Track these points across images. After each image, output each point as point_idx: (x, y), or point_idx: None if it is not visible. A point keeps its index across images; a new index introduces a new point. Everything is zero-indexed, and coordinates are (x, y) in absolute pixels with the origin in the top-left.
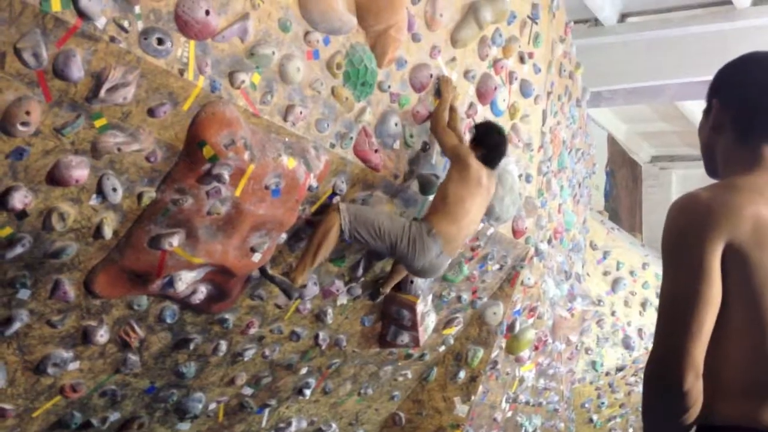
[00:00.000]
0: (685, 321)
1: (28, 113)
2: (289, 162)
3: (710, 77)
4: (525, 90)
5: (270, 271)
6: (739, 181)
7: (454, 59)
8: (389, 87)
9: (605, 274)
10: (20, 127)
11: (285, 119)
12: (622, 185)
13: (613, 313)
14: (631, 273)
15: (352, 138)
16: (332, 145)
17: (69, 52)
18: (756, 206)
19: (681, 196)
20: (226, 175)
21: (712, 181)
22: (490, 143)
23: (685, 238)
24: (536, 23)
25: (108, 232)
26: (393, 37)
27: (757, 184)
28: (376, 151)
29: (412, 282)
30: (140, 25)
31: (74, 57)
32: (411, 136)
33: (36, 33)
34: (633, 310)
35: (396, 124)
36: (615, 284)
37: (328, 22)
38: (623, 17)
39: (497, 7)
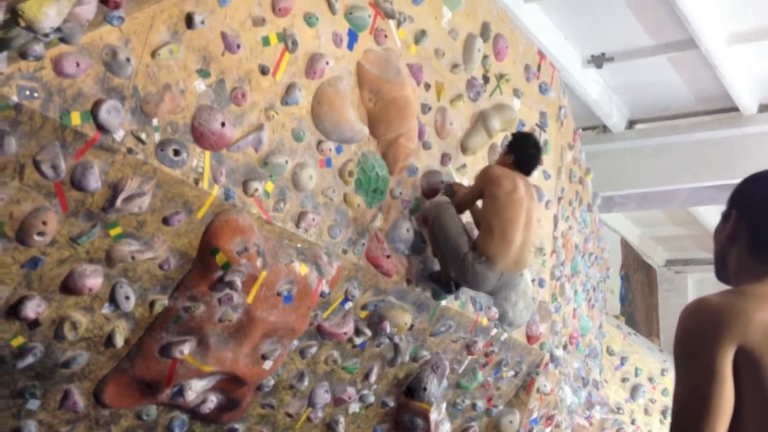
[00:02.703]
0: (698, 427)
1: (44, 223)
2: (302, 268)
3: (720, 182)
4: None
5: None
6: (749, 289)
7: (464, 166)
8: (401, 193)
9: (623, 380)
10: (36, 237)
11: (297, 226)
12: (638, 289)
13: (633, 422)
14: (650, 379)
15: (364, 244)
16: (344, 251)
17: (87, 164)
18: (766, 312)
19: (691, 301)
20: (239, 282)
21: (725, 286)
22: (519, 148)
23: (696, 342)
24: (544, 131)
25: (119, 341)
26: (404, 145)
27: (767, 291)
28: (388, 256)
29: (425, 389)
30: (157, 137)
31: (92, 168)
32: (423, 242)
33: (55, 145)
34: (653, 419)
35: (408, 230)
36: (634, 391)
37: (341, 131)
38: (631, 124)
39: (506, 116)
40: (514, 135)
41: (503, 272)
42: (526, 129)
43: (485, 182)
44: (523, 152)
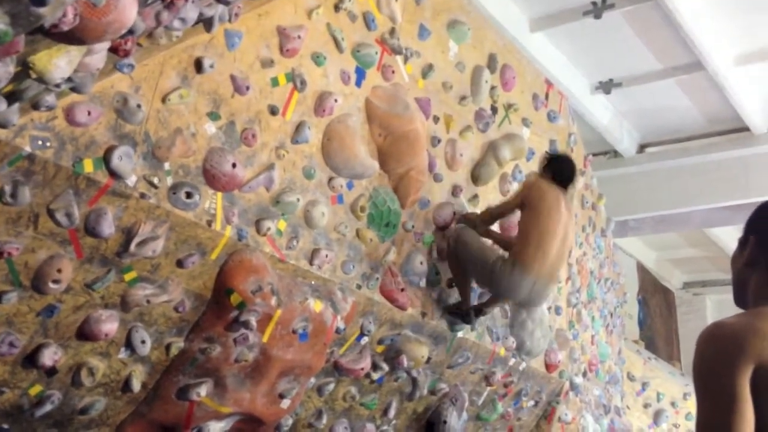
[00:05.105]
0: None
1: (59, 271)
2: (316, 305)
3: (734, 202)
4: None
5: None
6: (765, 309)
7: (476, 196)
8: (413, 226)
9: (646, 406)
10: (51, 285)
11: (311, 263)
12: (657, 313)
13: None
14: (673, 404)
15: (377, 278)
16: (358, 286)
17: (100, 210)
18: None
19: (707, 326)
20: (254, 322)
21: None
22: (554, 163)
23: (714, 366)
24: None
25: (136, 385)
26: (415, 178)
27: None
28: (402, 290)
29: (445, 422)
30: (170, 181)
31: (105, 214)
32: (437, 274)
33: (69, 193)
34: None
35: (421, 263)
36: (657, 416)
37: (351, 167)
38: (642, 148)
39: (515, 145)
40: (547, 157)
41: (537, 280)
42: (536, 156)
43: (530, 191)
44: (559, 164)
